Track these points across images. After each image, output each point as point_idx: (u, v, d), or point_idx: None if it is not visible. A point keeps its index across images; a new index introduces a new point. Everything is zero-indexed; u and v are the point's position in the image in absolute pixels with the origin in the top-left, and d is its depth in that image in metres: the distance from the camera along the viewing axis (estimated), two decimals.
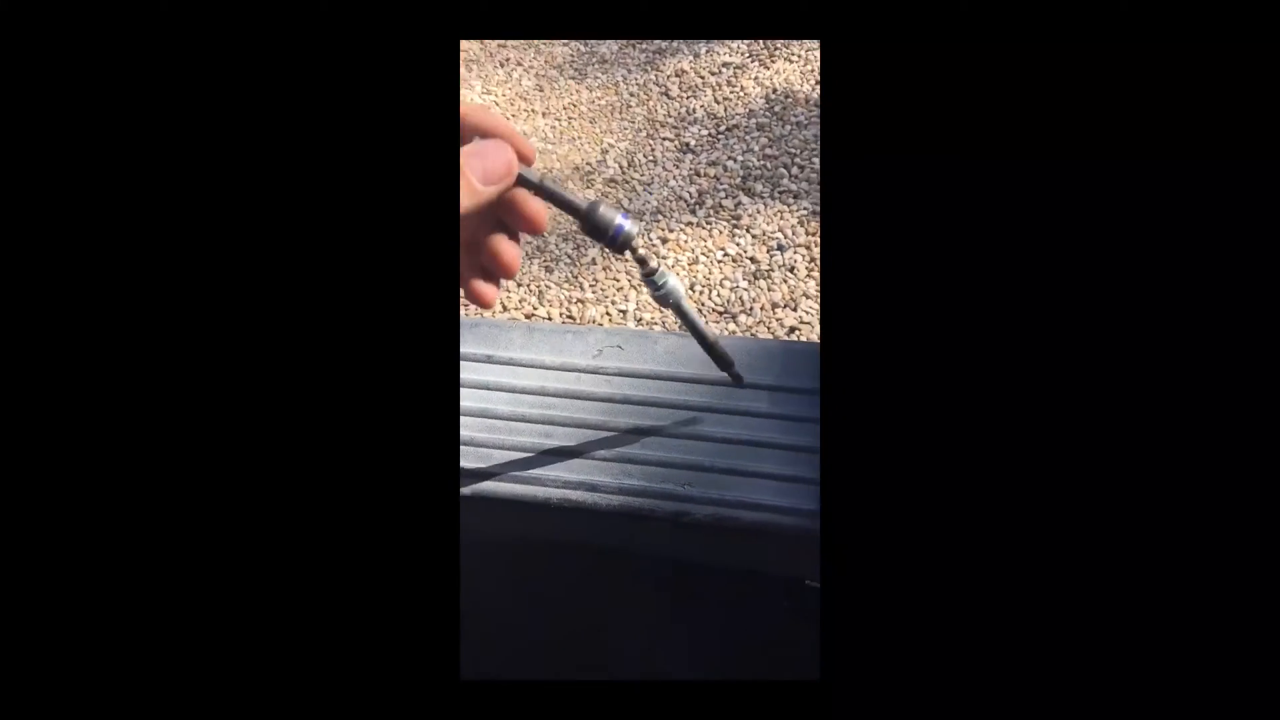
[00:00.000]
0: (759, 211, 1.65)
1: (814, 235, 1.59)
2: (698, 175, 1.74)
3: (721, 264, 1.56)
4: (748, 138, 1.81)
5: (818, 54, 2.01)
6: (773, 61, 2.01)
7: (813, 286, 1.51)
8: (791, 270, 1.54)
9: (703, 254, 1.59)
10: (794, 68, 1.98)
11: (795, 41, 2.05)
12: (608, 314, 1.52)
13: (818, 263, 1.54)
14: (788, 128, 1.82)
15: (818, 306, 1.47)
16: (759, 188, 1.69)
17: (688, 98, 1.94)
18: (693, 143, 1.83)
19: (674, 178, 1.75)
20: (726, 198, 1.68)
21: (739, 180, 1.72)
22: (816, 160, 1.74)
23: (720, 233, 1.62)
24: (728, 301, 1.50)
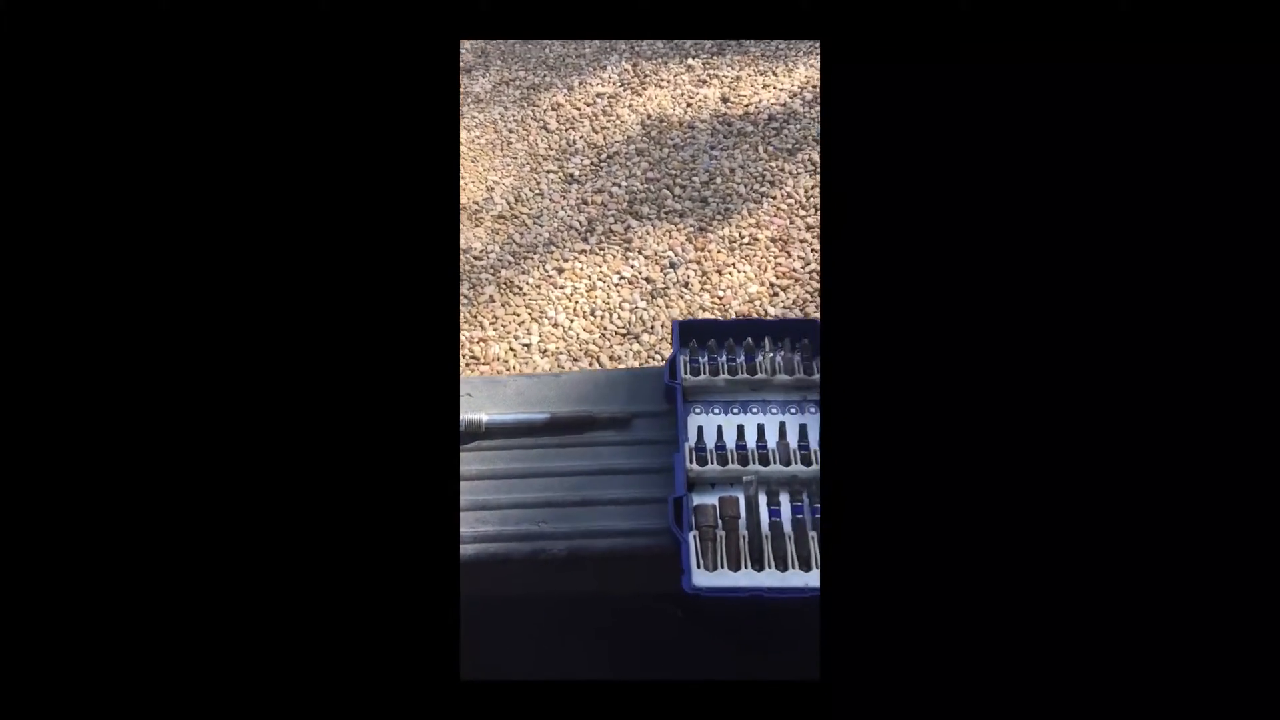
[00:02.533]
0: (648, 233, 1.69)
1: (703, 250, 1.64)
2: (585, 204, 1.78)
3: (619, 287, 1.59)
4: (629, 164, 1.86)
5: (686, 79, 2.09)
6: (644, 89, 2.07)
7: (707, 299, 1.55)
8: (686, 285, 1.58)
9: (599, 279, 1.62)
10: (665, 93, 2.05)
11: (665, 69, 2.13)
12: (511, 349, 1.52)
13: (709, 276, 1.60)
14: (666, 150, 1.88)
15: (715, 316, 1.52)
16: (646, 210, 1.74)
17: (566, 129, 1.98)
18: (576, 173, 1.86)
19: (562, 208, 1.78)
20: (616, 223, 1.72)
21: (625, 205, 1.76)
22: (696, 179, 1.80)
23: (614, 257, 1.65)
24: (629, 323, 1.53)
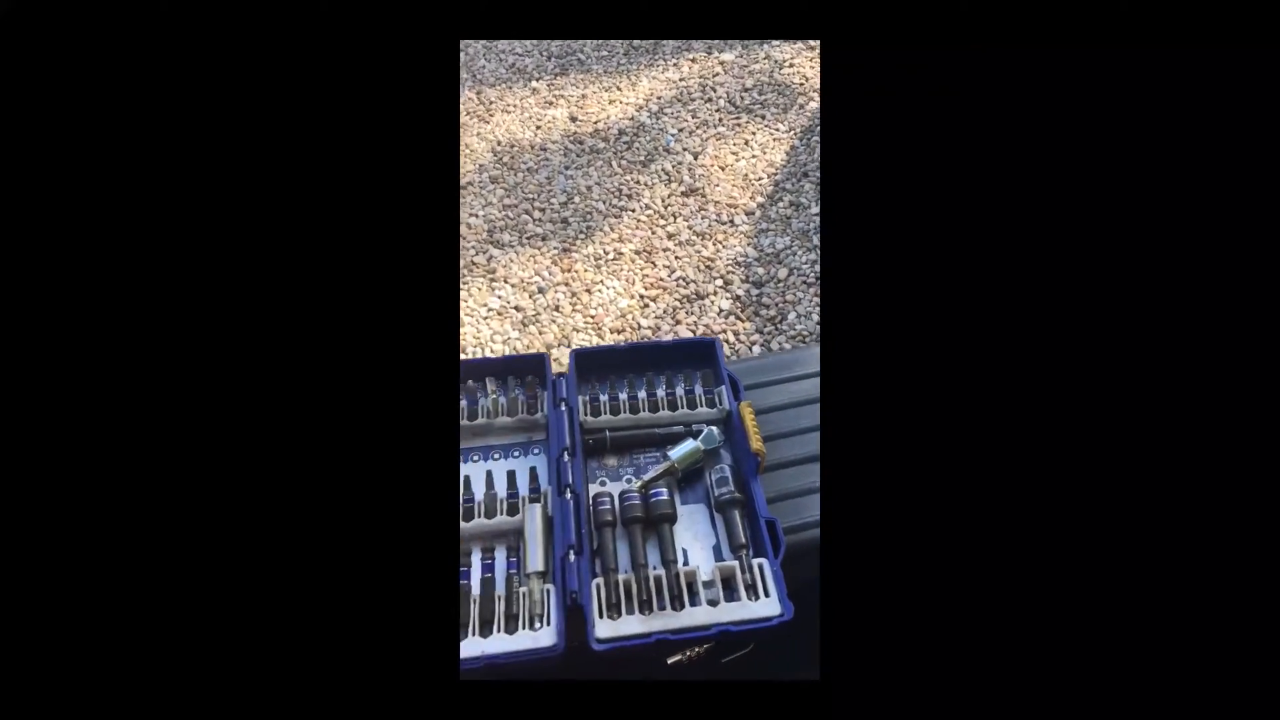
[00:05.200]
0: (512, 260, 1.66)
1: (570, 271, 1.63)
2: None
3: (488, 319, 1.56)
4: (485, 192, 1.83)
5: (533, 101, 2.08)
6: (491, 115, 2.05)
7: (580, 319, 1.54)
8: (558, 309, 1.57)
9: (467, 313, 1.58)
10: (513, 118, 2.03)
11: (510, 94, 2.11)
12: None
13: (579, 296, 1.59)
14: (520, 175, 1.86)
15: (589, 340, 1.51)
16: (506, 237, 1.71)
17: None
18: None
19: None
20: (477, 254, 1.68)
21: (485, 235, 1.73)
22: (554, 200, 1.79)
23: (480, 289, 1.61)
24: (502, 355, 1.50)
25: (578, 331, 1.52)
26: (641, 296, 1.59)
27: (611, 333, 1.52)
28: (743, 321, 1.52)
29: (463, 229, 1.74)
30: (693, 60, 2.21)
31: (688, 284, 1.60)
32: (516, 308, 1.57)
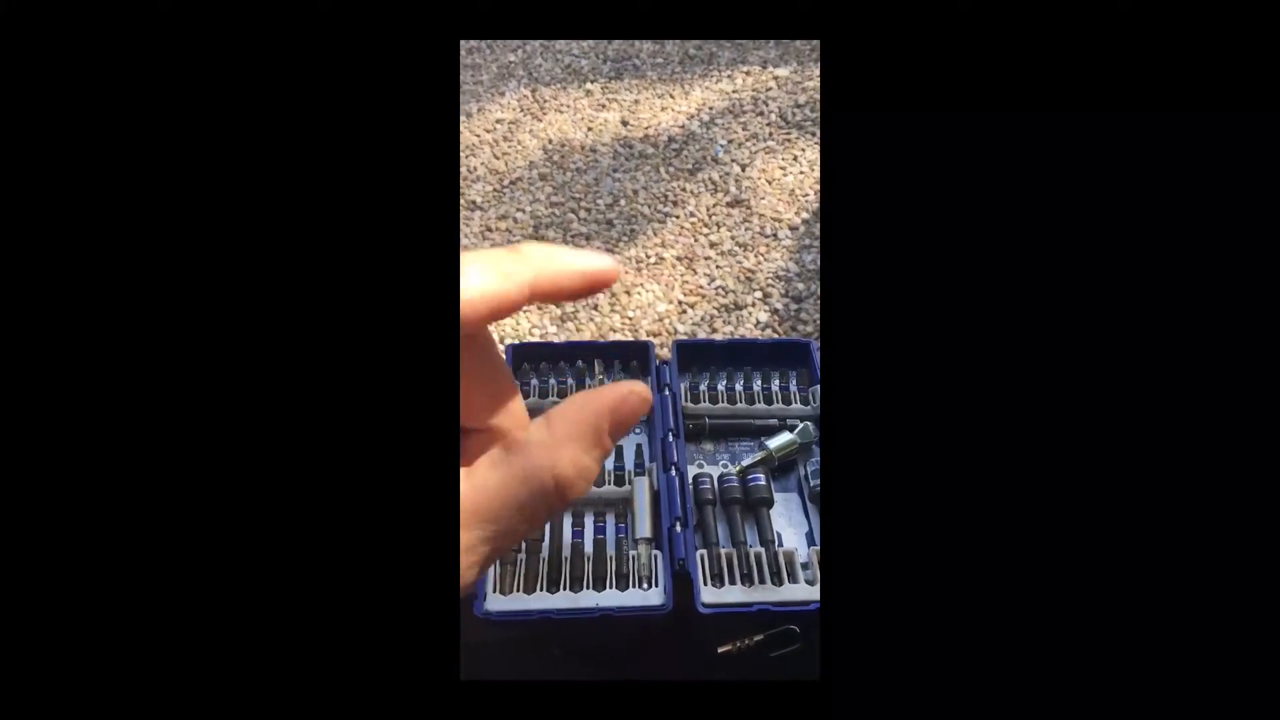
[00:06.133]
0: None
1: None
2: (489, 230, 1.76)
3: (527, 313, 1.58)
4: (532, 189, 1.86)
5: (586, 104, 2.11)
6: (544, 114, 2.08)
7: (618, 320, 1.56)
8: (595, 308, 1.58)
9: None
10: (565, 118, 2.06)
11: (564, 94, 2.14)
12: None
13: (618, 298, 1.60)
14: (569, 174, 1.88)
15: (625, 338, 1.52)
16: (551, 234, 1.73)
17: (467, 156, 1.96)
18: (479, 200, 1.84)
19: (466, 236, 1.76)
20: None
21: (531, 230, 1.75)
22: (600, 201, 1.81)
23: None
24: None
25: (614, 332, 1.54)
26: (680, 302, 1.60)
27: (648, 335, 1.53)
28: (779, 335, 1.53)
29: (509, 223, 1.77)
30: (747, 73, 2.22)
31: (727, 293, 1.61)
32: (556, 304, 1.59)
